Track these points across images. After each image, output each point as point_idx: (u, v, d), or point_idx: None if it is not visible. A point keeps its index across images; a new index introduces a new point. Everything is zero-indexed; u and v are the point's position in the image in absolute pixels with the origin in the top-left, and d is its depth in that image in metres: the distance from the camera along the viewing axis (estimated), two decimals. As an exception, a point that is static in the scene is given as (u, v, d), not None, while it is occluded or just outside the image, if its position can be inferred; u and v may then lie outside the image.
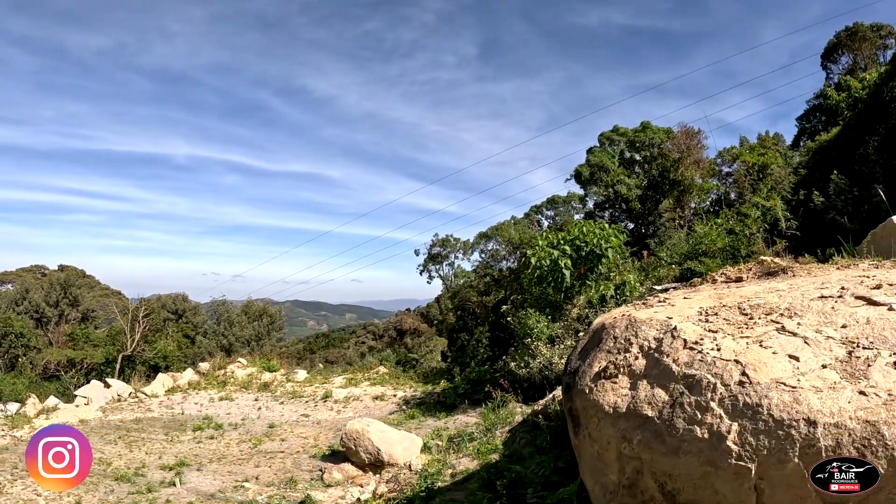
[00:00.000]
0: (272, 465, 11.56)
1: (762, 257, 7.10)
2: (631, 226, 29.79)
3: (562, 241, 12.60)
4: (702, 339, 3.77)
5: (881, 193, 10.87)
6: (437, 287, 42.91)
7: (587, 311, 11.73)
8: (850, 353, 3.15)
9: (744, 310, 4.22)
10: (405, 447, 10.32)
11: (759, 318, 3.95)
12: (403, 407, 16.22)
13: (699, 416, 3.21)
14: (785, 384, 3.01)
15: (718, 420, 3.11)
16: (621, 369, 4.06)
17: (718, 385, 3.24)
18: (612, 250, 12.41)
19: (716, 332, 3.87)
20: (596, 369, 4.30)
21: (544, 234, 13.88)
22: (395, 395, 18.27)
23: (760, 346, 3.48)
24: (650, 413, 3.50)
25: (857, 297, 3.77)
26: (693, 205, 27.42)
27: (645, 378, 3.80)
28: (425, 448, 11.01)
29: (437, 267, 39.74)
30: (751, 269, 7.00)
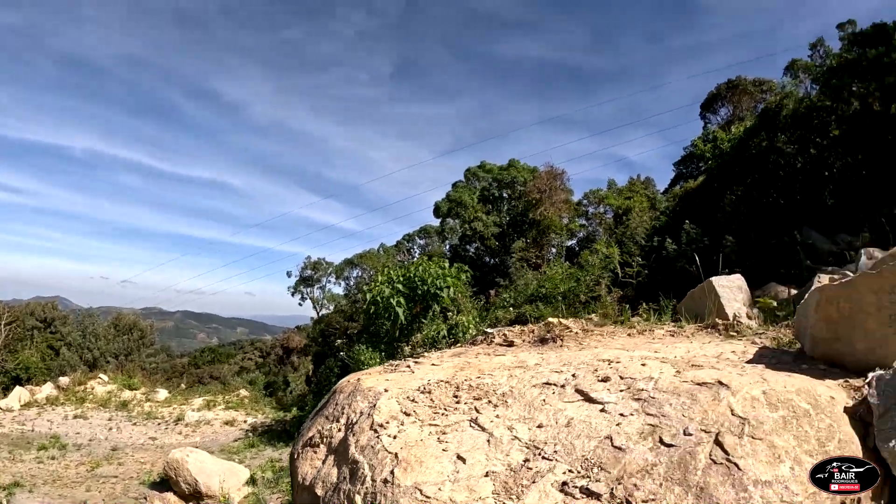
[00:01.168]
0: (103, 489, 11.55)
1: (550, 319, 7.53)
2: (493, 262, 30.67)
3: (399, 279, 12.92)
4: (388, 422, 3.77)
5: (699, 259, 11.44)
6: (310, 308, 42.50)
7: (421, 349, 12.08)
8: (526, 460, 2.89)
9: (459, 390, 4.16)
10: (223, 479, 10.36)
11: (465, 404, 3.86)
12: (250, 434, 16.14)
13: (345, 508, 3.26)
14: (422, 492, 2.83)
15: (357, 517, 3.16)
16: (324, 439, 4.29)
17: (369, 479, 3.19)
18: (449, 290, 12.85)
19: (410, 414, 3.82)
20: (309, 435, 4.51)
21: (385, 269, 14.17)
22: (245, 422, 18.20)
23: (439, 439, 3.34)
24: (320, 493, 3.64)
25: (578, 391, 3.57)
26: (555, 245, 28.36)
27: (334, 454, 3.94)
28: (251, 480, 11.06)
29: (309, 290, 39.53)
30: (532, 332, 7.41)
